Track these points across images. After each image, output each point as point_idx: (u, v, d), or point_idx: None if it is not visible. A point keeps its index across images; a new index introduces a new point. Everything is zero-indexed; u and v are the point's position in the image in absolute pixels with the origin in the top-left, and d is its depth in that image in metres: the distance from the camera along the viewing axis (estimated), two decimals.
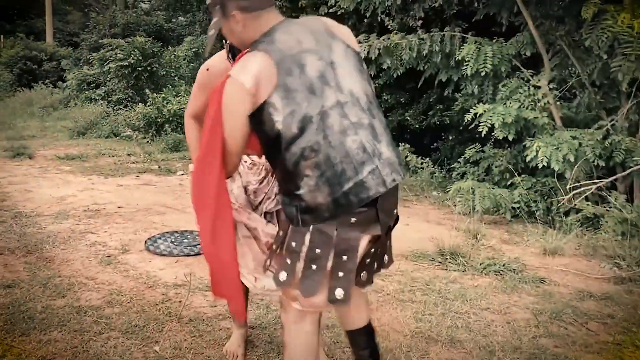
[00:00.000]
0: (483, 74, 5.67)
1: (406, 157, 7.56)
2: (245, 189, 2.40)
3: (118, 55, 11.22)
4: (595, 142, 4.95)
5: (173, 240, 4.10)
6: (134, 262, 3.72)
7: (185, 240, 4.11)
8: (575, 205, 4.94)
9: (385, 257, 2.03)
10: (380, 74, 8.08)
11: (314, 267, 1.77)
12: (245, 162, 2.38)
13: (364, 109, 1.80)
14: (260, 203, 2.42)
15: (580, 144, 4.99)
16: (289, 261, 1.81)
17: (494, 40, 5.88)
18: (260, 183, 2.40)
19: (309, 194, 1.72)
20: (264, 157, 2.20)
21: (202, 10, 15.91)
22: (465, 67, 5.71)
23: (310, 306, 1.84)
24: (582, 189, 5.04)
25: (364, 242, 1.83)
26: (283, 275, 1.82)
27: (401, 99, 8.63)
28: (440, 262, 3.93)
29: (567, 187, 5.03)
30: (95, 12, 21.65)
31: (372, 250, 1.89)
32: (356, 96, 1.79)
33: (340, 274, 1.78)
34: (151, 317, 2.95)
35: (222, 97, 1.74)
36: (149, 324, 2.89)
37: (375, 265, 1.97)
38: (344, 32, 1.90)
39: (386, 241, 1.97)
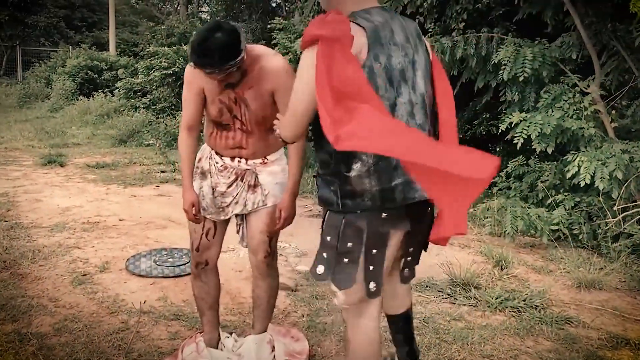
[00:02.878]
0: (521, 78, 5.07)
1: None
2: (214, 189, 2.45)
3: (163, 63, 11.22)
4: None
5: (157, 259, 3.79)
6: (107, 283, 3.43)
7: (170, 260, 3.79)
8: (625, 229, 4.27)
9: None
10: None
11: (345, 260, 1.82)
12: (217, 163, 2.44)
13: (428, 115, 1.86)
14: (227, 205, 2.47)
15: (632, 159, 4.31)
16: (325, 255, 1.86)
17: (536, 42, 5.27)
18: (229, 187, 2.44)
19: (358, 178, 1.77)
20: (235, 160, 2.39)
21: (255, 19, 15.88)
22: (502, 72, 5.14)
23: (347, 301, 1.88)
24: (634, 210, 4.36)
25: (395, 238, 1.86)
26: (320, 269, 1.87)
27: None
28: (449, 295, 3.40)
29: (616, 208, 4.36)
30: (159, 23, 22.19)
31: (409, 246, 1.98)
32: (425, 101, 1.86)
33: (371, 267, 1.83)
34: (96, 351, 2.62)
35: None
36: (91, 359, 2.57)
37: (415, 260, 2.07)
38: (425, 39, 1.98)
39: (422, 238, 1.98)
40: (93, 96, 16.26)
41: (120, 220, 4.78)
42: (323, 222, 1.90)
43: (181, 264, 3.71)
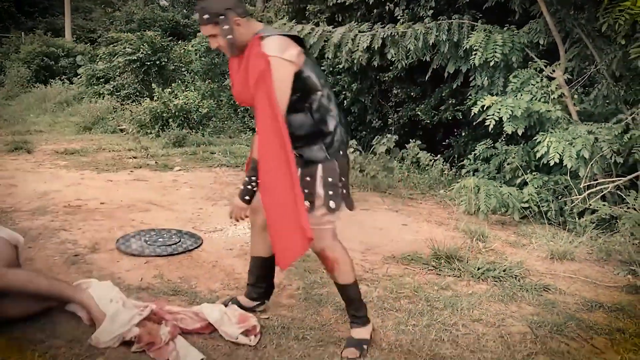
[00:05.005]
0: (492, 63, 5.29)
1: (417, 154, 7.20)
2: None
3: (127, 49, 11.05)
4: (613, 137, 4.54)
5: (147, 239, 3.83)
6: (100, 263, 3.45)
7: (160, 240, 3.83)
8: (590, 205, 4.54)
9: None
10: (390, 67, 7.72)
11: (343, 191, 2.43)
12: None
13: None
14: None
15: (596, 139, 4.59)
16: (331, 192, 2.37)
17: (505, 29, 5.50)
18: None
19: (336, 130, 2.39)
20: None
21: None
22: (473, 57, 5.34)
23: (334, 219, 2.43)
24: (598, 187, 4.64)
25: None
26: (332, 204, 2.37)
27: (412, 93, 8.27)
28: (434, 267, 3.58)
29: (582, 185, 4.63)
30: (116, 9, 21.70)
31: None
32: None
33: (344, 190, 2.45)
34: (91, 331, 2.65)
35: (273, 75, 2.19)
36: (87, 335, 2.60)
37: None
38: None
39: None
40: (50, 83, 15.83)
41: (101, 203, 4.76)
42: (309, 175, 2.36)
43: (172, 244, 3.76)
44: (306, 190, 2.33)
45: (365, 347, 2.52)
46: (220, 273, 3.40)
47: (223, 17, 2.27)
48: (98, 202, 4.79)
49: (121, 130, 9.60)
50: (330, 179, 2.36)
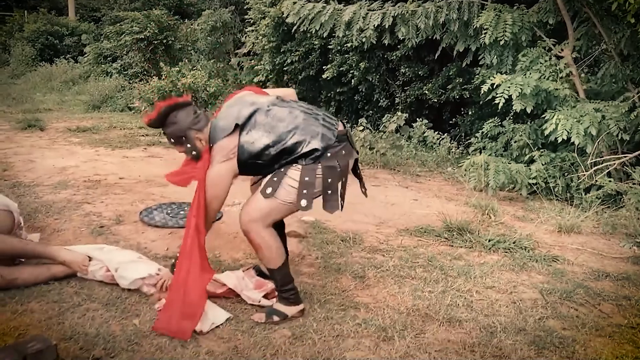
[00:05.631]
0: (502, 42, 5.36)
1: (423, 132, 7.31)
2: None
3: (134, 28, 11.08)
4: (620, 115, 4.65)
5: (169, 211, 3.96)
6: (126, 233, 3.59)
7: (182, 212, 3.97)
8: (596, 181, 4.66)
9: None
10: (398, 46, 7.79)
11: (305, 191, 2.48)
12: None
13: None
14: None
15: (603, 117, 4.69)
16: (305, 192, 2.48)
17: (515, 8, 5.56)
18: None
19: (300, 140, 2.53)
20: None
21: None
22: (483, 36, 5.42)
23: (288, 212, 2.59)
24: (604, 164, 4.76)
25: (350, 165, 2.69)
26: (304, 202, 2.48)
27: (419, 72, 8.32)
28: (446, 239, 3.72)
29: (589, 162, 4.75)
30: None
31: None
32: None
33: (329, 192, 2.53)
34: (134, 290, 2.82)
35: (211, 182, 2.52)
36: (130, 297, 2.76)
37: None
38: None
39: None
40: (55, 62, 15.88)
41: (120, 178, 4.89)
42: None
43: None
44: (274, 179, 2.51)
45: (276, 318, 2.58)
46: (241, 244, 3.53)
47: (184, 138, 2.58)
48: (117, 177, 4.91)
49: (130, 109, 9.71)
50: (307, 179, 2.47)
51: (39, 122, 7.76)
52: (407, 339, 2.47)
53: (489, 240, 3.62)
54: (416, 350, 2.38)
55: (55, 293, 2.74)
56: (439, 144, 7.06)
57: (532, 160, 5.22)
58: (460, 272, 3.16)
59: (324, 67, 8.85)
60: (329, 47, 8.71)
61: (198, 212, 2.53)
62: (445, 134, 7.37)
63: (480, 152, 6.06)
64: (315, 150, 2.49)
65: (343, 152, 2.55)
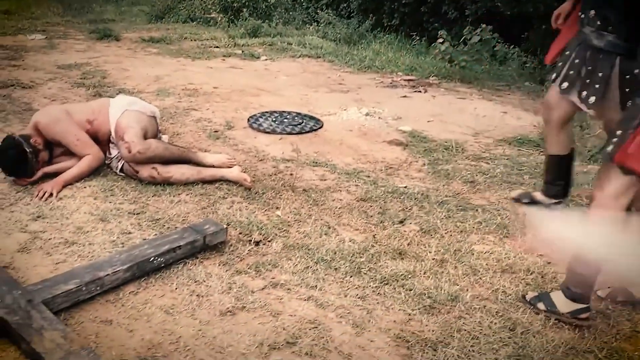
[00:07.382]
0: None
1: (494, 46, 7.23)
2: None
3: None
4: None
5: (274, 119, 4.16)
6: (240, 138, 3.82)
7: (285, 120, 4.16)
8: None
9: None
10: None
11: None
12: None
13: None
14: None
15: None
16: None
17: None
18: None
19: None
20: None
21: None
22: None
23: None
24: None
25: None
26: None
27: None
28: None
29: None
30: None
31: None
32: None
33: None
34: (268, 186, 3.08)
35: None
36: (267, 192, 3.02)
37: None
38: None
39: None
40: None
41: (214, 87, 5.07)
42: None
43: (297, 124, 4.09)
44: None
45: None
46: (348, 150, 3.74)
47: None
48: (210, 87, 5.10)
49: (192, 20, 9.75)
50: None
51: (111, 31, 7.90)
52: (528, 237, 2.68)
53: (588, 151, 3.74)
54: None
55: (199, 187, 3.02)
56: (511, 58, 6.99)
57: None
58: None
59: None
60: None
61: None
62: (517, 48, 7.27)
63: None
64: None
65: None
